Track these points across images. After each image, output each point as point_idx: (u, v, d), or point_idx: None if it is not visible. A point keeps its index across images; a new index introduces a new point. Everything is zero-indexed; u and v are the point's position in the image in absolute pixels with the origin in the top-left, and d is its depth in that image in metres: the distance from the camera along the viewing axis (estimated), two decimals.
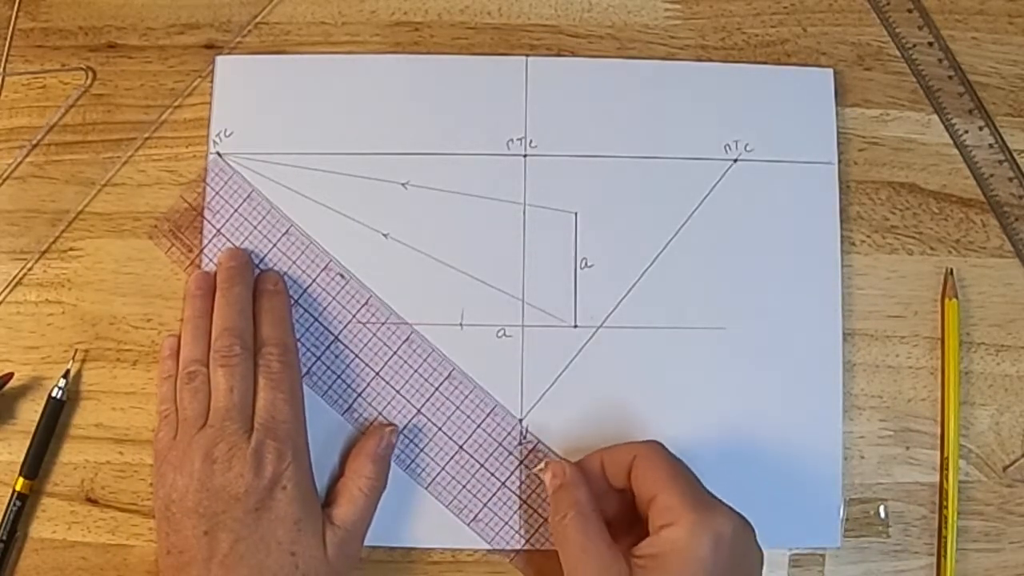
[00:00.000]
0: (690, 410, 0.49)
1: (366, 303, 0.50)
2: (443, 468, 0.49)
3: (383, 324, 0.50)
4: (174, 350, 0.48)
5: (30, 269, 0.50)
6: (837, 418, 0.50)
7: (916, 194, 0.52)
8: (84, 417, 0.50)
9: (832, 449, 0.49)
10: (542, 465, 0.46)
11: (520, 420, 0.49)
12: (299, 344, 0.49)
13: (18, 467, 0.48)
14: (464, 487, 0.49)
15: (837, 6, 0.53)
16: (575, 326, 0.50)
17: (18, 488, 0.48)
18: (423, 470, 0.49)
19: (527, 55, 0.52)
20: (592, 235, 0.50)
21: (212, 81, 0.51)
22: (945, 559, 0.49)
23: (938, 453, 0.50)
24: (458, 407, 0.49)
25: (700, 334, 0.50)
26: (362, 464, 0.47)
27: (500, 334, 0.50)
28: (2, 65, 0.52)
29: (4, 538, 0.48)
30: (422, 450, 0.49)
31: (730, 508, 0.43)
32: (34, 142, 0.51)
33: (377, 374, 0.50)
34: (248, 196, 0.50)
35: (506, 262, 0.50)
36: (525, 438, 0.49)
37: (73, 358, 0.50)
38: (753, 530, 0.43)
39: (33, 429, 0.49)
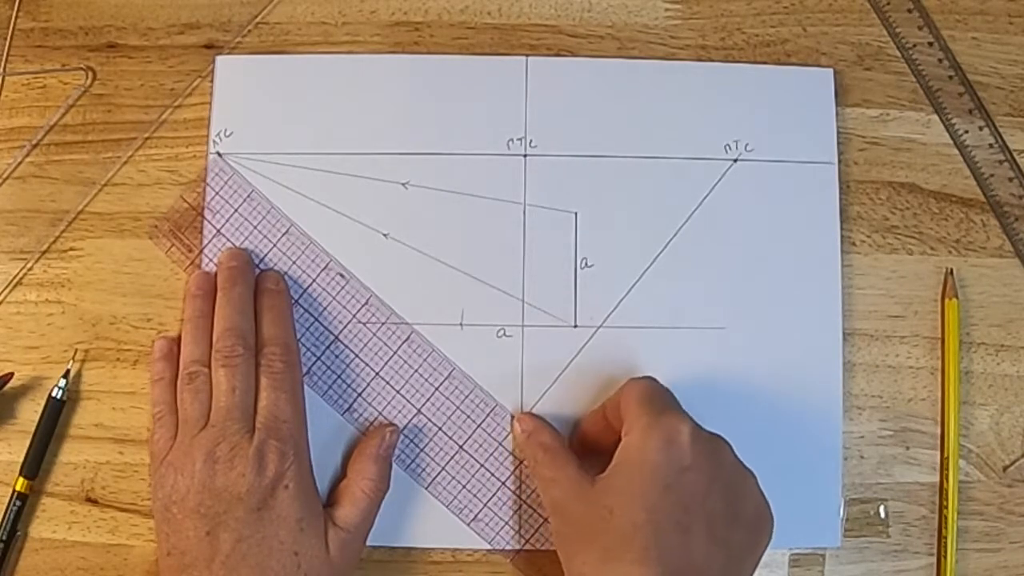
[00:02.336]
0: (690, 410, 0.49)
1: (366, 303, 0.50)
2: (443, 468, 0.49)
3: (383, 324, 0.50)
4: (165, 352, 0.48)
5: (30, 269, 0.50)
6: (837, 418, 0.50)
7: (916, 194, 0.52)
8: (84, 417, 0.50)
9: (832, 449, 0.49)
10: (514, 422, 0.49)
11: None
12: (299, 344, 0.49)
13: (18, 467, 0.48)
14: (464, 487, 0.49)
15: (837, 6, 0.53)
16: (575, 326, 0.50)
17: (18, 488, 0.48)
18: (423, 470, 0.49)
19: (527, 55, 0.52)
20: (592, 235, 0.50)
21: (212, 81, 0.51)
22: (945, 559, 0.49)
23: (938, 453, 0.50)
24: (458, 407, 0.49)
25: (700, 334, 0.50)
26: (364, 465, 0.47)
27: (500, 334, 0.50)
28: (2, 65, 0.52)
29: (4, 538, 0.48)
30: (422, 450, 0.49)
31: (690, 418, 0.43)
32: (34, 142, 0.51)
33: (377, 374, 0.50)
34: (248, 196, 0.50)
35: (506, 262, 0.50)
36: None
37: (73, 358, 0.50)
38: (730, 446, 0.44)
39: (33, 429, 0.49)
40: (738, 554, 0.42)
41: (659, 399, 0.45)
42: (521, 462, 0.49)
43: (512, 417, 0.49)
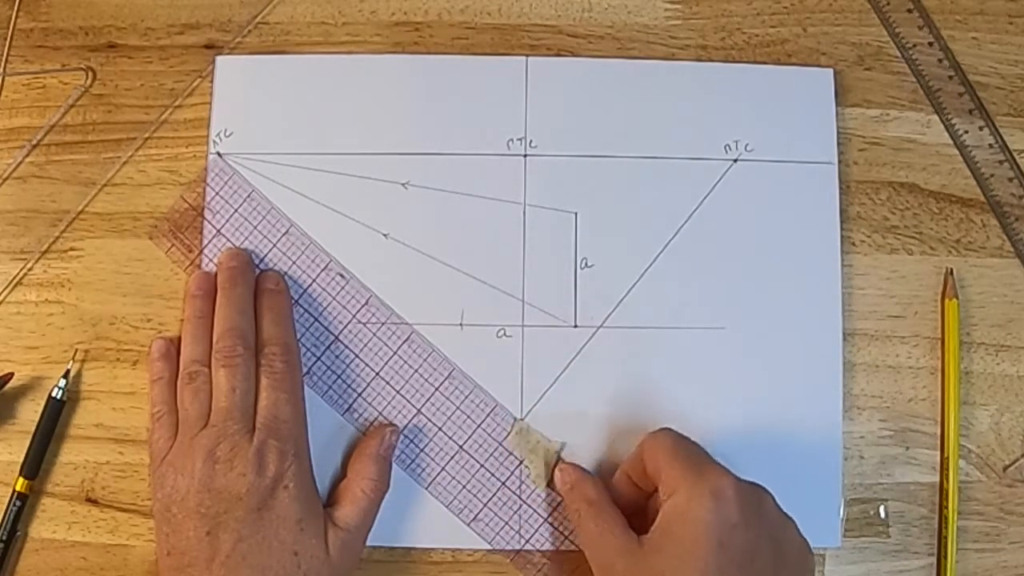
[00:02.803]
0: (690, 410, 0.49)
1: (366, 303, 0.50)
2: (443, 468, 0.49)
3: (383, 324, 0.50)
4: (163, 352, 0.48)
5: (30, 269, 0.50)
6: (837, 418, 0.50)
7: (916, 194, 0.52)
8: (84, 417, 0.50)
9: (832, 449, 0.49)
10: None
11: (520, 420, 0.49)
12: (299, 344, 0.49)
13: (18, 467, 0.48)
14: (464, 487, 0.49)
15: (837, 6, 0.53)
16: (575, 326, 0.50)
17: (18, 488, 0.48)
18: (423, 470, 0.49)
19: (527, 55, 0.52)
20: (592, 235, 0.50)
21: (212, 81, 0.51)
22: (945, 559, 0.49)
23: (938, 453, 0.50)
24: (458, 407, 0.49)
25: (700, 334, 0.50)
26: (364, 465, 0.47)
27: (500, 334, 0.50)
28: (2, 65, 0.52)
29: (4, 538, 0.48)
30: (422, 450, 0.49)
31: (730, 472, 0.43)
32: (34, 142, 0.51)
33: (377, 374, 0.50)
34: (248, 196, 0.50)
35: (506, 262, 0.50)
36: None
37: (73, 358, 0.50)
38: (771, 495, 0.43)
39: (33, 429, 0.49)
40: None
41: (691, 453, 0.44)
42: (521, 462, 0.49)
43: (554, 466, 0.49)
